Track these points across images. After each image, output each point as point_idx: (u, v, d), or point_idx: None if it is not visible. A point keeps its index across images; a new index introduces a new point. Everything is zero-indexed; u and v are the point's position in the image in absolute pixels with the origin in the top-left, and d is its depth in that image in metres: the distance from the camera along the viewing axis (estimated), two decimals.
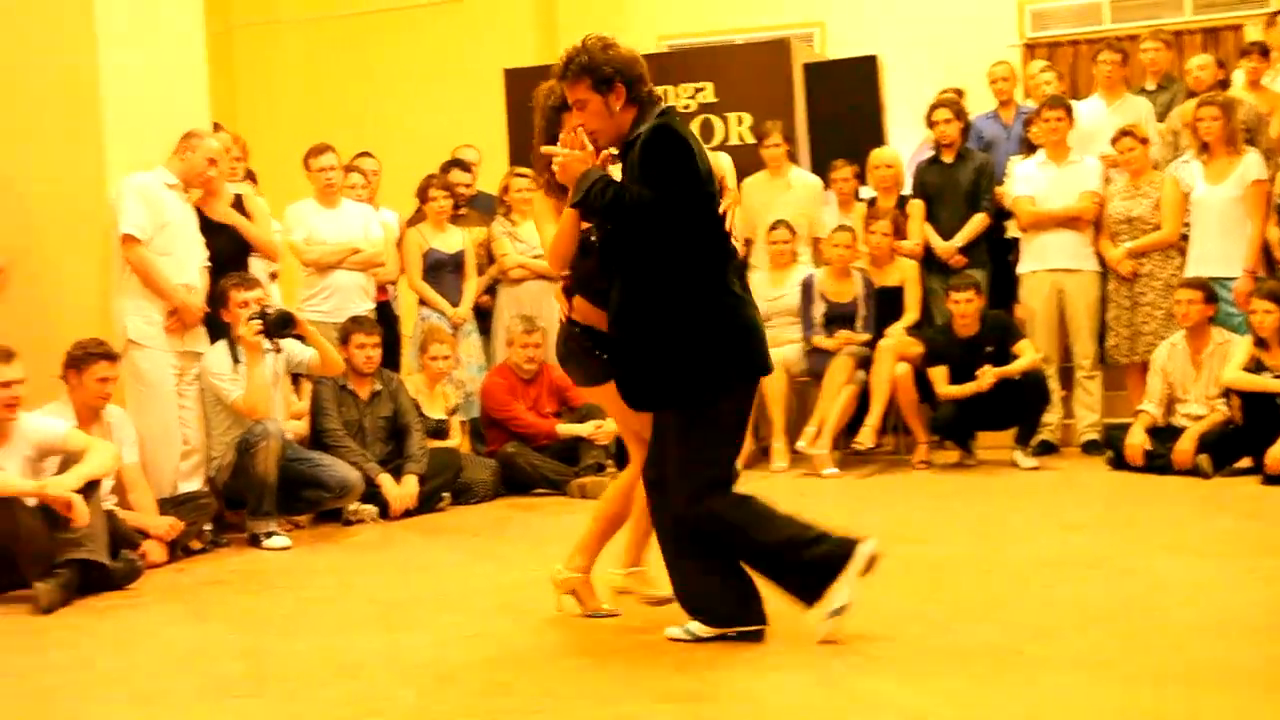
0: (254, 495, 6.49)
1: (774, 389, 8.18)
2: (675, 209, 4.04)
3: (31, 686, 4.28)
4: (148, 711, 3.94)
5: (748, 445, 8.28)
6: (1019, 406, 7.77)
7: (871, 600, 4.82)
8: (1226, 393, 7.19)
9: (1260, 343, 7.08)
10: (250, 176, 8.11)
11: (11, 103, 6.79)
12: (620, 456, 8.02)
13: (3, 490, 5.50)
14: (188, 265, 6.69)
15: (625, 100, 4.10)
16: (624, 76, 4.08)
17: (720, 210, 4.25)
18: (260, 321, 6.48)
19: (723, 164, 4.85)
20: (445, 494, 7.46)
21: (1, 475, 5.58)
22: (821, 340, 8.21)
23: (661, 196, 4.02)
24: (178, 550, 6.23)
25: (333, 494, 6.81)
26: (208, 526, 6.54)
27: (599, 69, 4.06)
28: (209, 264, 6.86)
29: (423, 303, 8.57)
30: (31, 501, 5.56)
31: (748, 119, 9.25)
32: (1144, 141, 8.08)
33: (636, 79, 4.12)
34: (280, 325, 6.53)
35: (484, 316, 8.74)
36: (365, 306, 7.86)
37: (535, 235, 8.48)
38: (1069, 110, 8.30)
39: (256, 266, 7.30)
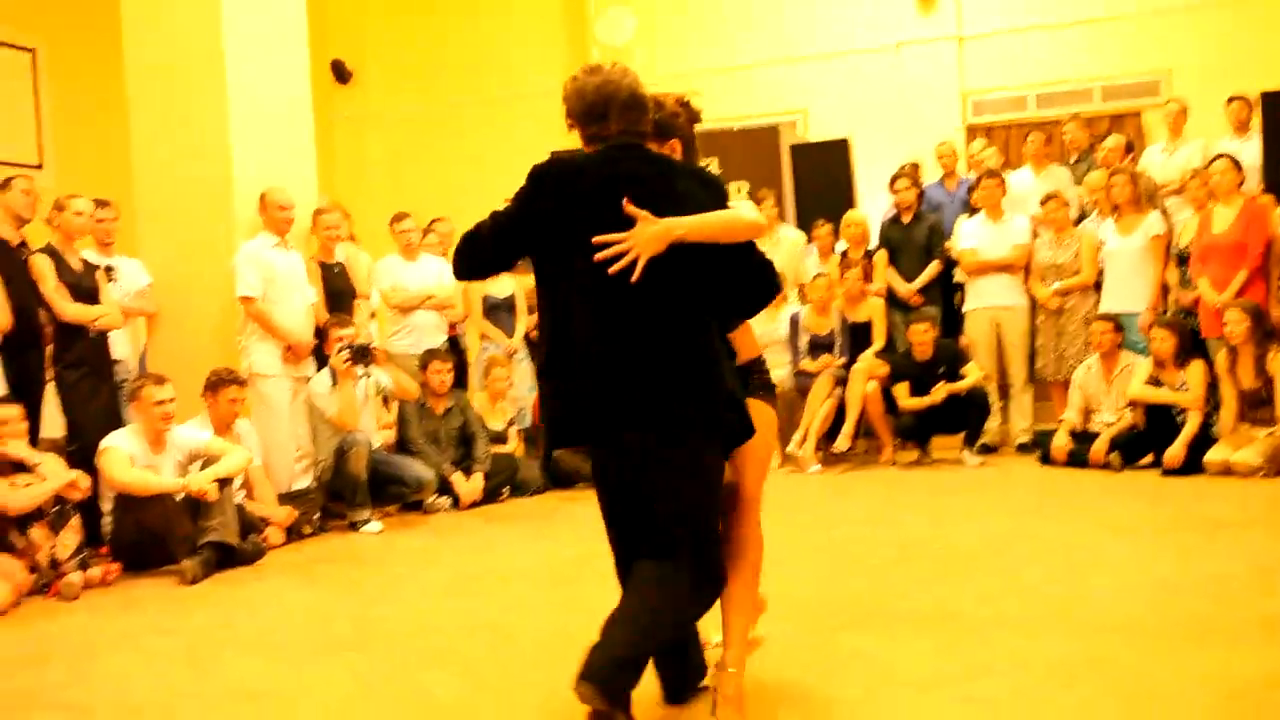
0: (350, 490, 6.56)
1: None
2: (484, 238, 3.06)
3: (183, 642, 4.37)
4: (276, 662, 4.00)
5: None
6: (966, 415, 7.77)
7: (848, 572, 4.87)
8: (1132, 403, 7.19)
9: (1159, 364, 7.09)
10: (353, 238, 8.26)
11: (161, 191, 7.01)
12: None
13: (158, 489, 5.64)
14: (295, 309, 6.86)
15: (583, 139, 3.11)
16: (571, 114, 3.10)
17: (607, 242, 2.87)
18: (347, 352, 6.66)
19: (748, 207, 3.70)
20: (505, 489, 7.48)
21: (156, 477, 5.71)
22: (807, 364, 8.22)
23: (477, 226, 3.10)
24: (293, 535, 6.30)
25: (411, 488, 6.90)
26: (316, 515, 6.59)
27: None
28: (319, 301, 7.11)
29: (484, 336, 8.62)
30: (180, 496, 5.68)
31: (746, 186, 9.32)
32: (1065, 204, 8.13)
33: (575, 116, 3.08)
34: (361, 355, 6.71)
35: (534, 346, 8.76)
36: (439, 340, 7.93)
37: None
38: (1003, 180, 8.36)
39: (362, 308, 7.50)
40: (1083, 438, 7.37)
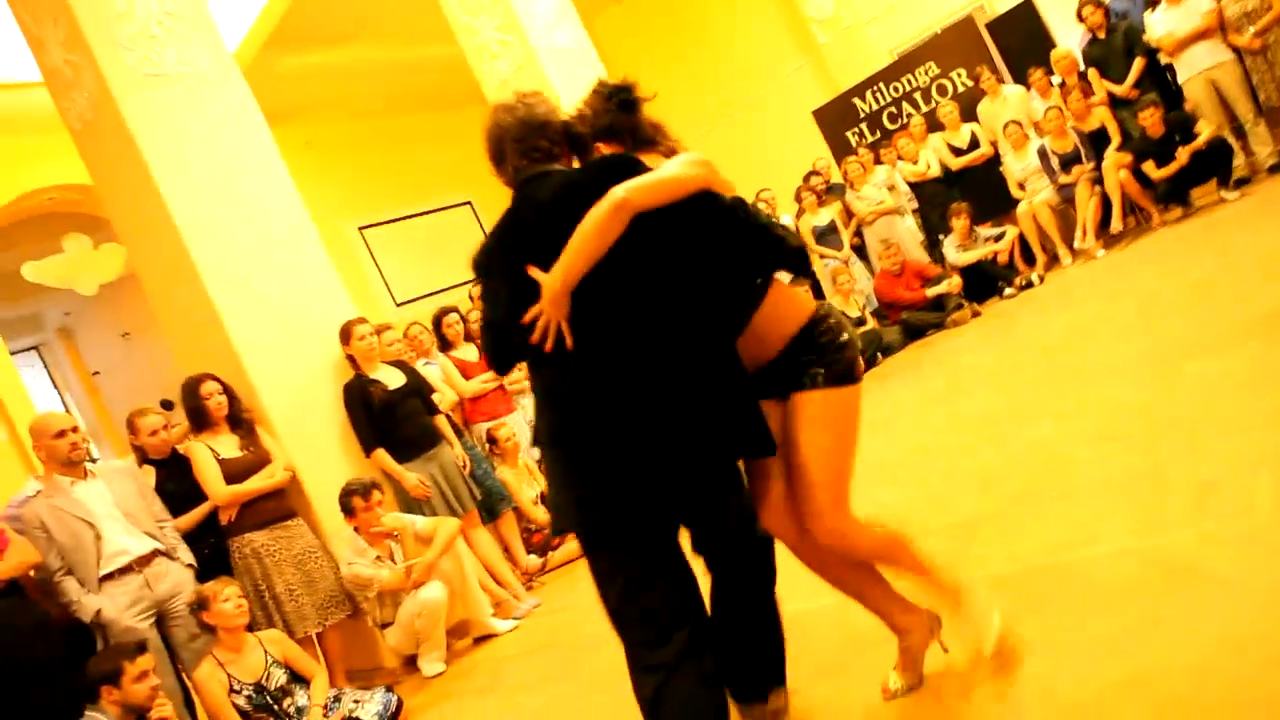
0: None
1: (1045, 218, 7.91)
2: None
3: None
4: None
5: (1040, 259, 7.99)
6: (1213, 163, 7.09)
7: (1169, 292, 4.59)
8: None
9: None
10: None
11: None
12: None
13: None
14: None
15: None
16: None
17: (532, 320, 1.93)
18: None
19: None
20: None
21: None
22: (1064, 178, 7.82)
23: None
24: None
25: None
26: None
27: None
28: None
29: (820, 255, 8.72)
30: None
31: (964, 72, 8.96)
32: None
33: (493, 166, 2.20)
34: None
35: (858, 250, 8.84)
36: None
37: (875, 193, 8.57)
38: None
39: None
40: None
